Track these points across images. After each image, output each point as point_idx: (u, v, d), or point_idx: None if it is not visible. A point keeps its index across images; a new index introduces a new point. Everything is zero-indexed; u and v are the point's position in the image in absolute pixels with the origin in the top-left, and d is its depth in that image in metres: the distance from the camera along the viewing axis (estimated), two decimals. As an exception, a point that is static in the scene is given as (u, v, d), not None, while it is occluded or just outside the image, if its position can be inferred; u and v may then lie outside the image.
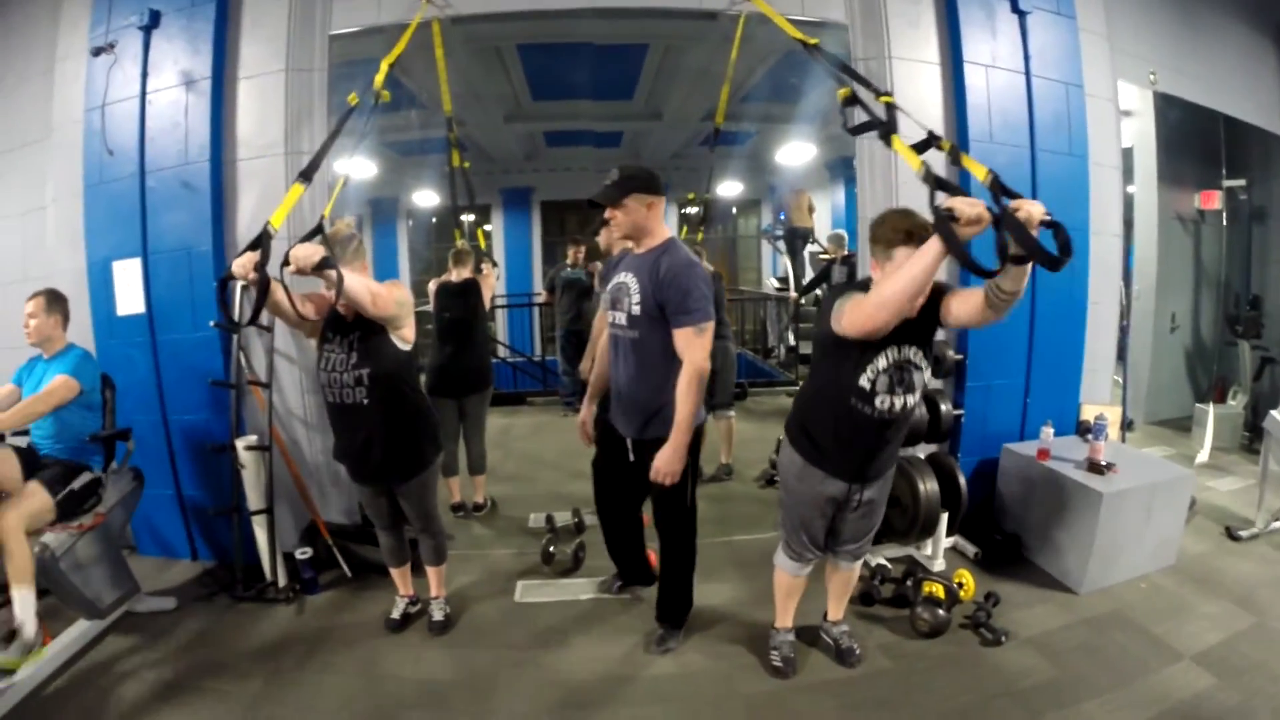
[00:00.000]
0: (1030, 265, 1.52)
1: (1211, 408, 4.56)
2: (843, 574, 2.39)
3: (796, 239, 8.89)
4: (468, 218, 4.73)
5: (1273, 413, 3.28)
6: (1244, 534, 3.26)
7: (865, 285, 1.94)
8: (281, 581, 2.96)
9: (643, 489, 2.37)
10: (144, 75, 3.05)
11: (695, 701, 2.24)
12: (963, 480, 2.95)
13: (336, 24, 3.19)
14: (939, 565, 3.01)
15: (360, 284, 2.06)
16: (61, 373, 2.51)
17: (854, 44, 3.31)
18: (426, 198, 9.97)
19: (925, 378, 1.96)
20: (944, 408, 3.11)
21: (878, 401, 1.91)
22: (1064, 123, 3.33)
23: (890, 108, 2.25)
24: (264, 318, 2.49)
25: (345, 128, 2.71)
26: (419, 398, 2.44)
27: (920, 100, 3.24)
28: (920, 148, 2.08)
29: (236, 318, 2.67)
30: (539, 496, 4.02)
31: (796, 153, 8.14)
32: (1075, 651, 2.43)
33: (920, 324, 1.85)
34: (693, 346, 2.07)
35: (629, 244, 2.29)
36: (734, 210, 11.95)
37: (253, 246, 1.84)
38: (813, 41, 2.71)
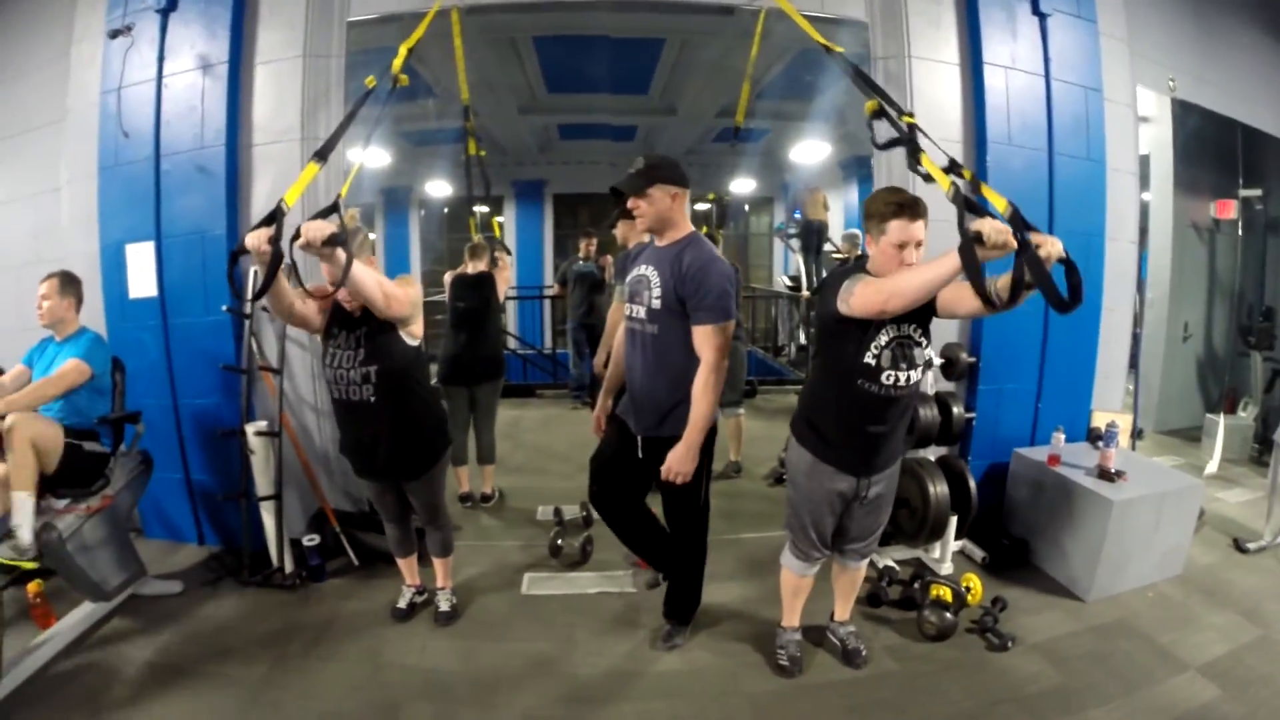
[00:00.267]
0: (1032, 290, 1.53)
1: (1222, 419, 4.53)
2: (849, 574, 2.39)
3: (812, 234, 8.85)
4: (481, 209, 4.72)
5: (1284, 425, 3.26)
6: (1252, 546, 3.24)
7: (860, 265, 1.98)
8: (288, 568, 2.97)
9: (645, 484, 2.35)
10: (160, 59, 3.04)
11: (701, 699, 2.23)
12: (973, 484, 2.94)
13: (355, 11, 3.19)
14: (946, 568, 3.00)
15: (371, 278, 2.00)
16: (73, 356, 2.51)
17: (874, 42, 3.29)
18: (439, 188, 9.95)
19: (926, 354, 1.98)
20: (956, 410, 3.10)
21: (884, 378, 1.92)
22: (1083, 127, 3.31)
23: (913, 128, 2.23)
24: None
25: (361, 113, 2.70)
26: (428, 393, 2.41)
27: (939, 101, 3.23)
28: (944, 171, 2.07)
29: (246, 295, 2.64)
30: (547, 489, 4.02)
31: (811, 151, 8.07)
32: (1082, 659, 2.42)
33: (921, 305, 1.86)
34: (712, 344, 2.04)
35: (645, 237, 2.26)
36: (746, 208, 11.93)
37: (266, 222, 1.82)
38: (838, 49, 2.68)
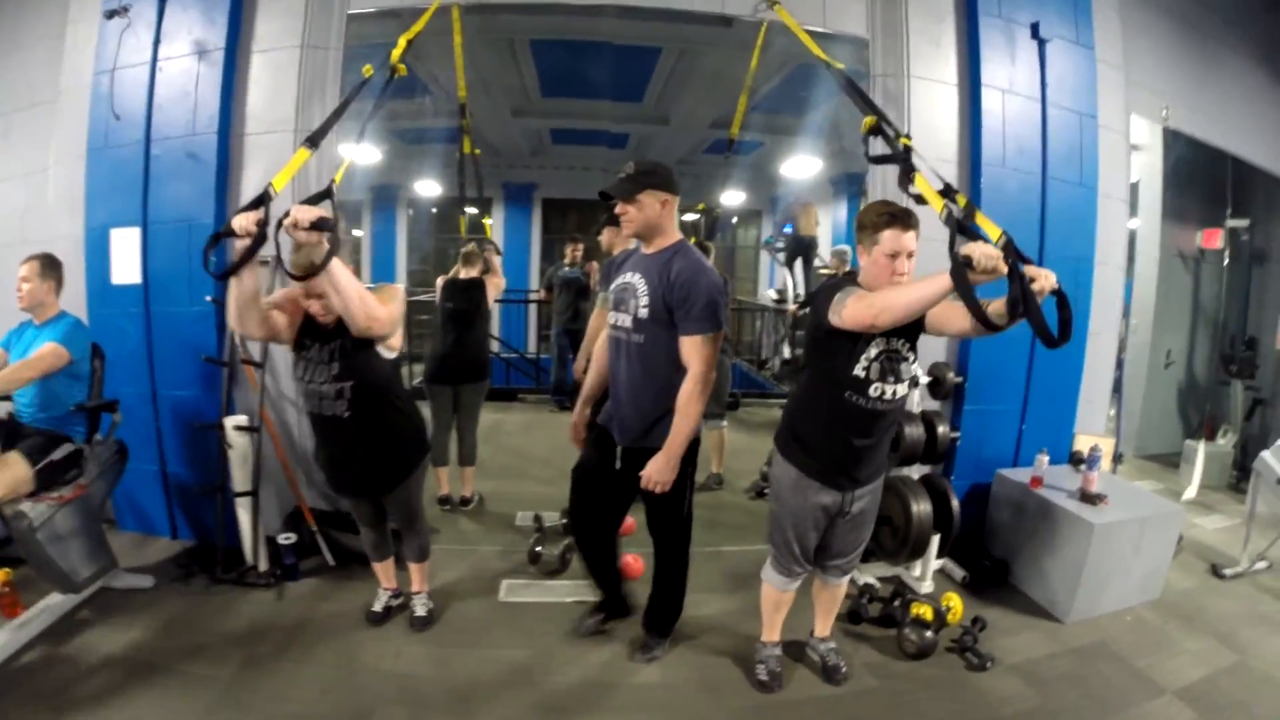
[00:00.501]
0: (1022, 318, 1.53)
1: (1202, 445, 4.58)
2: (831, 590, 2.38)
3: (802, 249, 8.90)
4: (471, 210, 4.71)
5: (1264, 454, 3.29)
6: (1229, 572, 3.27)
7: (851, 277, 1.99)
8: (262, 566, 2.91)
9: (626, 500, 2.32)
10: (156, 41, 3.00)
11: (679, 713, 2.21)
12: (955, 503, 2.94)
13: (355, 3, 3.16)
14: (927, 587, 3.00)
15: (355, 289, 1.88)
16: (52, 340, 2.46)
17: (873, 59, 3.31)
18: (429, 187, 9.90)
19: (913, 370, 1.99)
20: (941, 429, 3.11)
21: (871, 390, 1.92)
22: (1076, 152, 3.34)
23: (908, 150, 2.23)
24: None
25: (355, 106, 2.66)
26: (405, 403, 2.33)
27: (936, 121, 3.25)
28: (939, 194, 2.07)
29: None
30: (527, 494, 3.99)
31: (802, 166, 8.08)
32: (1060, 680, 2.42)
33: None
34: (700, 355, 2.02)
35: (632, 244, 2.22)
36: (735, 220, 11.95)
37: (253, 205, 1.78)
38: (838, 65, 2.69)
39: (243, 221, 1.71)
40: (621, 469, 2.20)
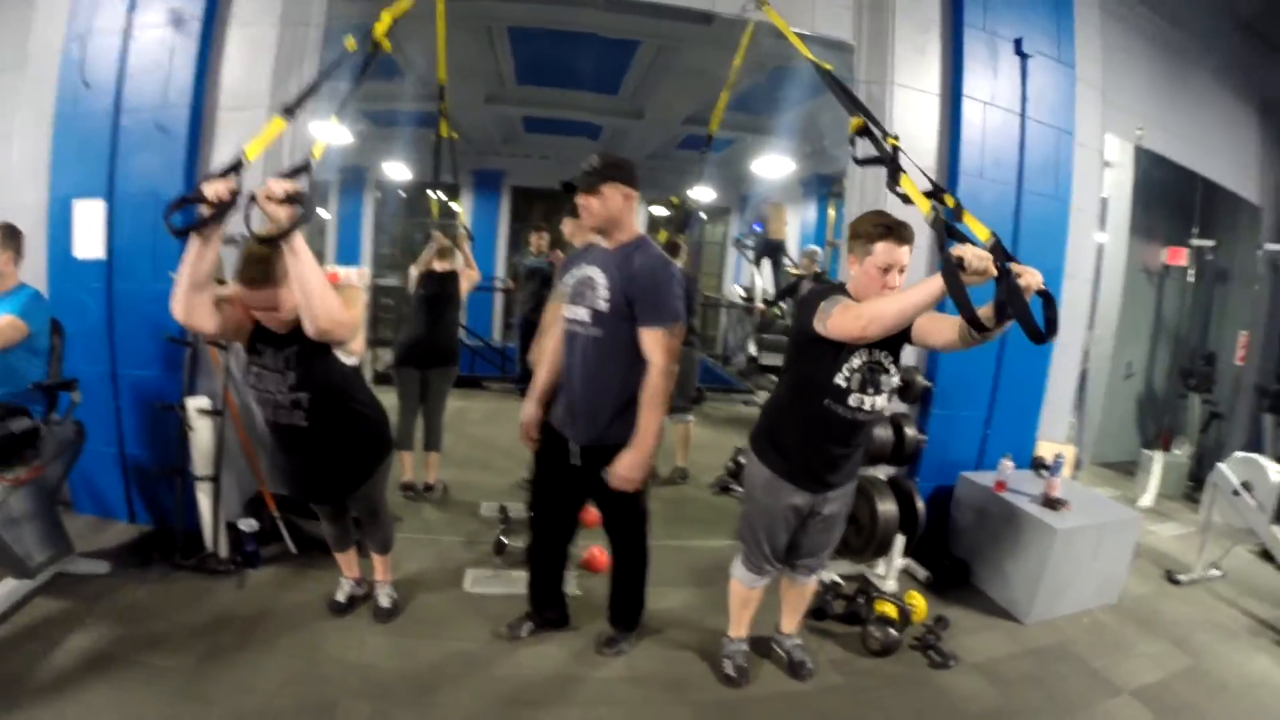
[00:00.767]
0: (1011, 321, 1.55)
1: (1159, 455, 4.72)
2: (799, 588, 2.40)
3: (771, 250, 9.00)
4: (441, 195, 4.65)
5: (1219, 465, 3.40)
6: (1183, 579, 3.38)
7: (840, 286, 1.99)
8: (223, 553, 2.84)
9: (581, 500, 2.30)
10: (131, 8, 2.89)
11: (645, 707, 2.21)
12: (920, 504, 2.99)
13: (338, -20, 3.09)
14: (890, 585, 3.03)
15: (318, 280, 1.73)
16: (9, 313, 2.37)
17: (858, 66, 3.34)
18: (398, 170, 9.73)
19: (893, 382, 2.00)
20: (909, 432, 3.15)
21: (851, 400, 1.93)
22: (1052, 167, 3.42)
23: (896, 150, 2.25)
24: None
25: (331, 83, 2.60)
26: (365, 405, 2.22)
27: (917, 129, 3.29)
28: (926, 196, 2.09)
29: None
30: (491, 484, 3.97)
31: (774, 165, 8.05)
32: (1020, 680, 2.47)
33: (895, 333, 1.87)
34: (661, 348, 1.99)
35: (593, 237, 2.18)
36: (703, 216, 11.97)
37: (226, 172, 1.72)
38: (827, 67, 2.71)
39: (216, 187, 1.64)
40: (580, 467, 2.17)
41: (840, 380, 1.92)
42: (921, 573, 3.18)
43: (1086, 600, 3.01)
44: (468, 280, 3.82)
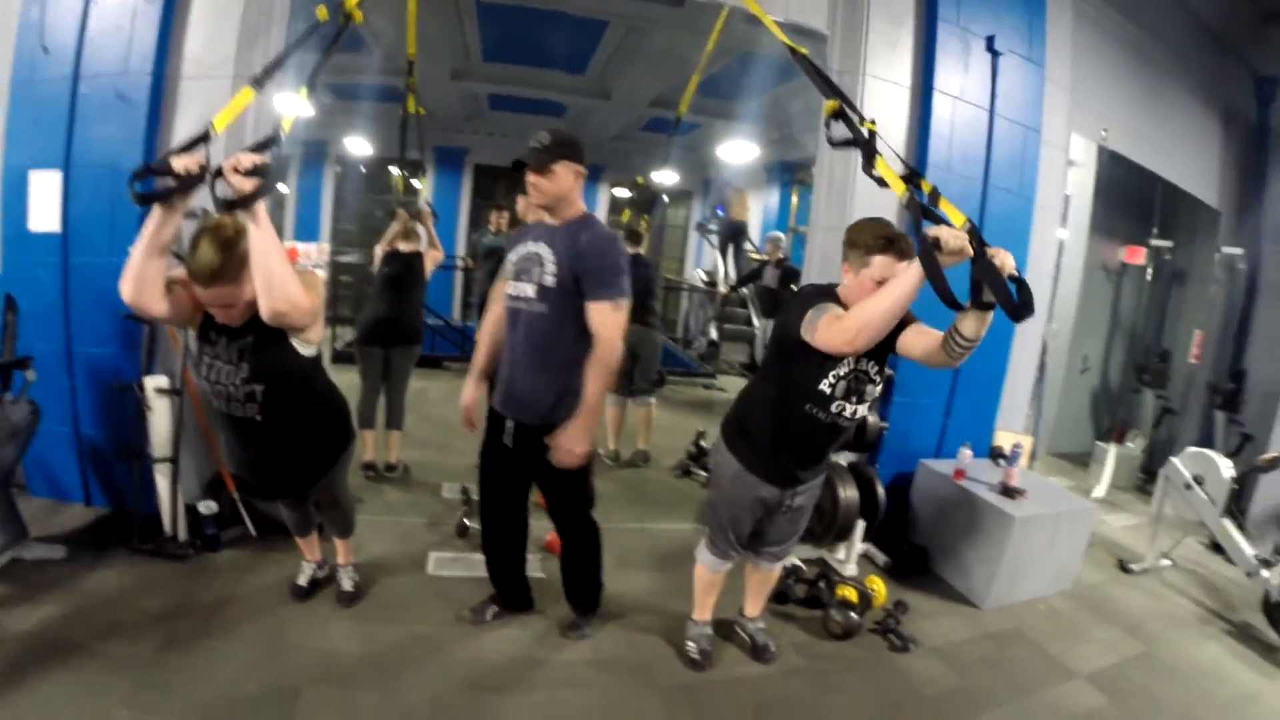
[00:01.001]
0: (991, 314, 1.58)
1: (1112, 447, 4.87)
2: (763, 574, 2.42)
3: (734, 235, 9.06)
4: (402, 171, 4.58)
5: (1172, 459, 3.52)
6: (1135, 568, 3.50)
7: (831, 291, 1.96)
8: (182, 536, 2.78)
9: (528, 482, 2.28)
10: (93, -33, 2.78)
11: (611, 689, 2.22)
12: (881, 490, 3.05)
13: (306, -51, 3.00)
14: (850, 570, 3.09)
15: (279, 257, 1.67)
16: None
17: (831, 55, 3.36)
18: (359, 145, 9.56)
19: (876, 392, 2.00)
20: (871, 419, 3.19)
21: (834, 407, 1.93)
22: (1018, 163, 3.48)
23: (872, 135, 2.26)
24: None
25: (298, 55, 2.53)
26: (324, 395, 2.15)
27: (887, 121, 3.29)
28: (902, 179, 2.10)
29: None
30: (452, 465, 3.94)
31: (739, 151, 8.05)
32: (978, 664, 2.55)
33: (882, 342, 1.87)
34: (611, 321, 1.98)
35: (545, 215, 2.15)
36: (666, 199, 11.97)
37: (192, 144, 1.67)
38: (803, 51, 2.72)
39: (185, 162, 1.59)
40: (520, 448, 2.14)
41: (825, 386, 1.91)
42: (881, 558, 3.24)
43: (1042, 587, 3.10)
44: (432, 260, 3.83)
